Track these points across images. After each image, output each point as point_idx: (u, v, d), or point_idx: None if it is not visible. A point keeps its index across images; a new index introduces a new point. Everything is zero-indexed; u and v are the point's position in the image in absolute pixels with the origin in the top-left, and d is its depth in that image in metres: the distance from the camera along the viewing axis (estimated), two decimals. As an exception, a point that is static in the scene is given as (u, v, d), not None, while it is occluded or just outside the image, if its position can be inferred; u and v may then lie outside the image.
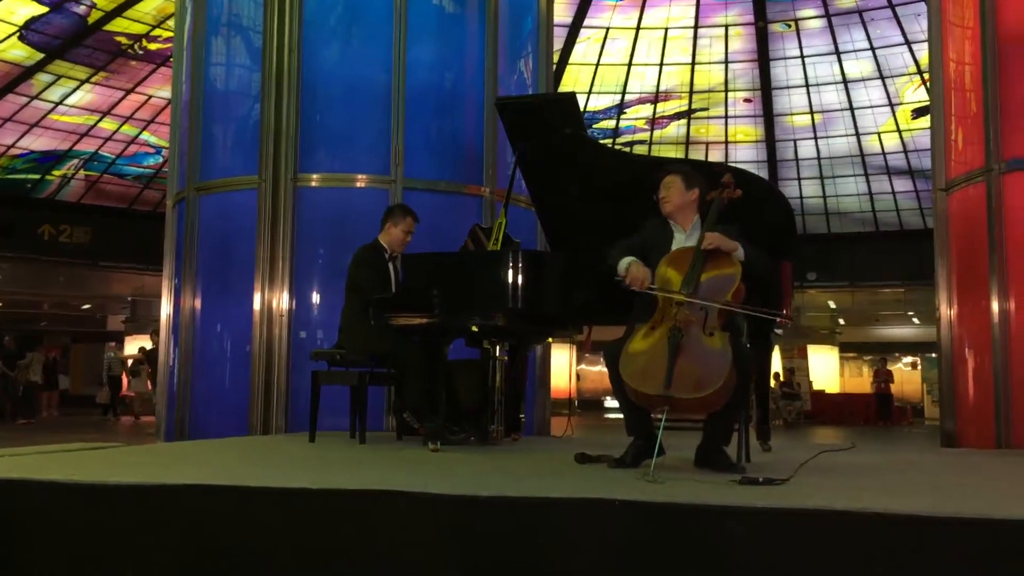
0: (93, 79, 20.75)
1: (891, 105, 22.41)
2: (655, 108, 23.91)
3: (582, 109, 21.16)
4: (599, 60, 23.17)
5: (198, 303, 7.38)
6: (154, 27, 20.07)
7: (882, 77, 22.04)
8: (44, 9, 19.00)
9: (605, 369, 3.82)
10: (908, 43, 21.09)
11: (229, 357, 7.22)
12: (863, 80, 22.31)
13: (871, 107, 22.57)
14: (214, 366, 7.28)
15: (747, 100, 23.55)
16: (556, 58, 19.32)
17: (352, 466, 4.08)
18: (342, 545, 2.88)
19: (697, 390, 3.44)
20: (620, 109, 23.95)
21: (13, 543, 3.11)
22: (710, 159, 22.87)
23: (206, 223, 7.44)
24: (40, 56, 19.81)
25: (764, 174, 22.12)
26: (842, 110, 22.84)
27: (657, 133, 24.23)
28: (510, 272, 4.68)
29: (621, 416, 3.84)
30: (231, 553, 2.96)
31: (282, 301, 6.99)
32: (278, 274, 6.99)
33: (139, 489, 3.15)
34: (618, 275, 3.88)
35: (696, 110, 23.80)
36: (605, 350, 3.79)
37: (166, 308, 7.91)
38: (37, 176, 21.70)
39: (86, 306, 27.17)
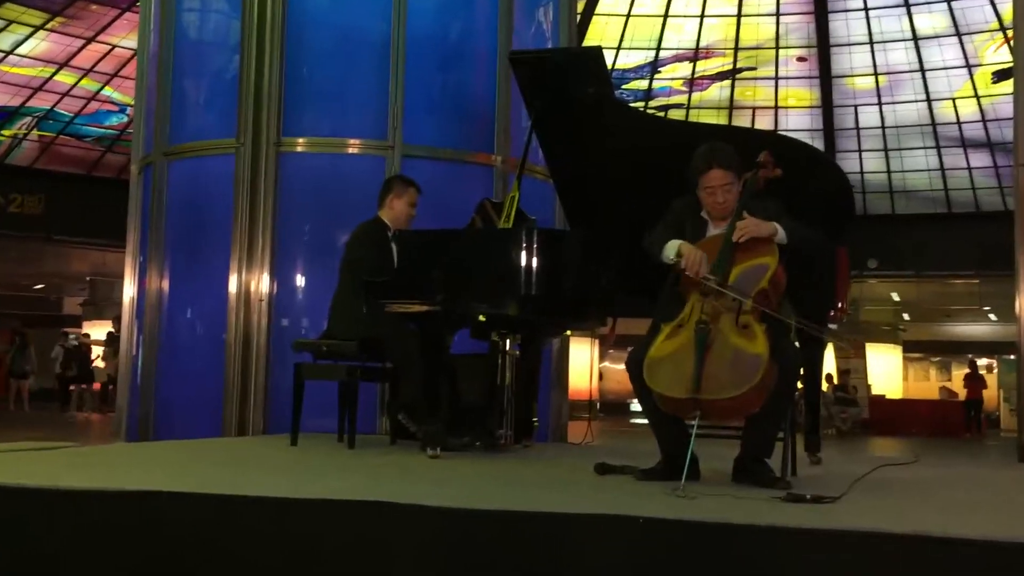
0: (48, 25, 20.78)
1: (968, 67, 22.25)
2: (694, 67, 23.81)
3: (609, 66, 21.11)
4: (630, 11, 23.07)
5: (166, 284, 7.41)
6: (119, -34, 20.12)
7: (959, 34, 21.88)
8: (-7, -56, 19.08)
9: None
10: (990, -6, 20.96)
11: (201, 347, 7.24)
12: (936, 37, 22.14)
13: (945, 68, 22.42)
14: (184, 357, 7.30)
15: (801, 59, 23.42)
16: (580, 8, 19.30)
17: (338, 473, 4.10)
18: (324, 561, 2.90)
19: (729, 390, 3.41)
20: (654, 68, 23.85)
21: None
22: (757, 127, 22.77)
23: (176, 192, 7.45)
24: (-13, -2, 19.89)
25: (819, 145, 22.01)
26: (911, 72, 22.69)
27: (696, 96, 24.13)
28: (523, 253, 4.68)
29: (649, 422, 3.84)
30: (199, 569, 2.98)
31: (261, 283, 7.00)
32: (257, 252, 7.00)
33: (98, 495, 3.17)
34: (667, 260, 3.81)
35: (741, 70, 23.68)
36: (627, 357, 3.76)
37: (129, 290, 7.94)
38: (-17, 136, 21.83)
39: (39, 286, 27.30)
